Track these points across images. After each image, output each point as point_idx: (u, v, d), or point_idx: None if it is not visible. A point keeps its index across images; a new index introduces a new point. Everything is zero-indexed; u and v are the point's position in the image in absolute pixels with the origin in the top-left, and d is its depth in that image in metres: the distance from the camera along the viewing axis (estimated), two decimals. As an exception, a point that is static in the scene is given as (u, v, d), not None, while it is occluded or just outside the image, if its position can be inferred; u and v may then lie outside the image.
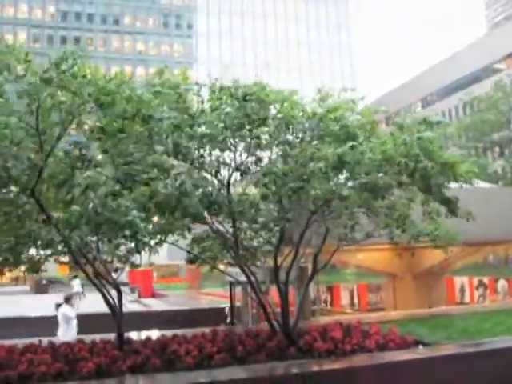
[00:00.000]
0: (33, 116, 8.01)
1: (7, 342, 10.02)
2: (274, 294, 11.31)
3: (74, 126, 8.80)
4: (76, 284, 29.38)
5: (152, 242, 9.74)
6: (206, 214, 9.66)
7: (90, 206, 7.73)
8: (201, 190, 9.25)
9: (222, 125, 9.53)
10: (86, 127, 9.06)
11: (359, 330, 10.89)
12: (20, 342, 10.11)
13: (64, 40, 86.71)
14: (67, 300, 13.24)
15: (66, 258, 10.62)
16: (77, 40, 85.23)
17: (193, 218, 9.48)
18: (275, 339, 10.14)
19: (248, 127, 9.62)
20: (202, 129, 9.48)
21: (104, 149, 8.70)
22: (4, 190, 8.36)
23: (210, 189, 9.48)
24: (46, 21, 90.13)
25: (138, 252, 9.19)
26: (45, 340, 10.24)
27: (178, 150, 9.06)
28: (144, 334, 11.30)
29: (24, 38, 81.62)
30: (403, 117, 10.85)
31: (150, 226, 9.19)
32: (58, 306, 13.25)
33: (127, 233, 8.22)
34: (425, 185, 9.72)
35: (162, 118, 8.59)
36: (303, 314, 12.90)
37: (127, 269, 10.00)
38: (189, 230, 10.41)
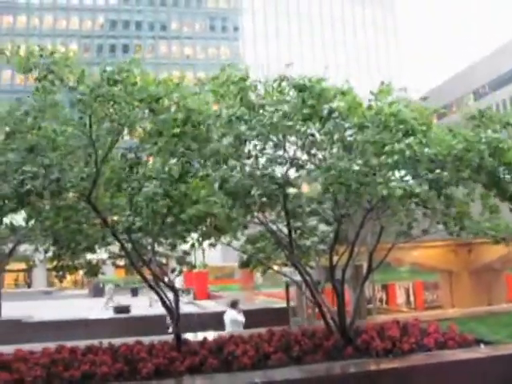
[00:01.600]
0: (86, 125, 8.20)
1: (69, 343, 10.27)
2: (328, 294, 11.23)
3: (126, 131, 8.94)
4: (108, 288, 30.10)
5: (206, 243, 9.82)
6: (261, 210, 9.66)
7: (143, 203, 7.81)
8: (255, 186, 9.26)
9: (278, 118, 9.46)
10: (138, 132, 9.20)
11: (417, 329, 10.68)
12: (80, 343, 10.36)
13: (113, 48, 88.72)
14: (234, 305, 13.56)
15: (122, 262, 10.84)
16: (125, 47, 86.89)
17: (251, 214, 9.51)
18: (332, 339, 10.06)
19: (305, 122, 9.52)
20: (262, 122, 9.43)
21: (157, 151, 8.80)
22: (63, 196, 8.57)
23: (267, 183, 9.46)
24: (96, 30, 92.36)
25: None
26: (105, 341, 10.45)
27: (236, 144, 9.12)
28: (200, 335, 11.39)
29: (75, 48, 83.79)
30: (465, 111, 10.55)
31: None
32: (116, 309, 13.59)
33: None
34: (491, 181, 9.46)
35: (218, 117, 8.64)
36: (359, 313, 12.76)
37: (184, 270, 10.10)
38: (245, 227, 10.46)
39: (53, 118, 8.14)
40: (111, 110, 8.23)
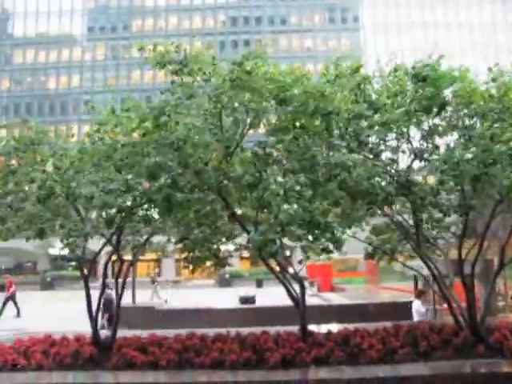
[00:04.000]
0: (216, 117, 8.45)
1: (198, 331, 10.68)
2: (457, 288, 10.80)
3: (256, 125, 9.10)
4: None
5: (344, 236, 9.82)
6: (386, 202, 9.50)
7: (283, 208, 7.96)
8: (377, 178, 9.12)
9: (399, 112, 9.26)
10: (266, 125, 9.33)
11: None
12: (209, 331, 10.74)
13: (235, 44, 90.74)
14: (419, 295, 13.92)
15: (247, 253, 11.08)
16: (247, 43, 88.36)
17: (376, 206, 9.38)
18: (461, 335, 9.68)
19: (426, 112, 9.23)
20: (381, 116, 9.27)
21: (283, 145, 8.88)
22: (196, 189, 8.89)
23: (388, 177, 9.29)
24: (218, 28, 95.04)
25: (338, 249, 9.35)
26: (232, 330, 10.75)
27: (358, 140, 9.03)
28: (325, 327, 11.40)
29: (199, 46, 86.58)
30: None
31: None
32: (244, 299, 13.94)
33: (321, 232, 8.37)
34: None
35: (340, 112, 8.57)
36: (490, 309, 12.15)
37: (308, 262, 10.15)
38: (372, 215, 10.37)
39: (187, 111, 8.45)
40: (244, 99, 8.41)
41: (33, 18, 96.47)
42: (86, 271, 10.16)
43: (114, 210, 8.58)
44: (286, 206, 8.33)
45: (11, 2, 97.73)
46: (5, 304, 27.59)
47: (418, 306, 13.36)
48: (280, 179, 8.79)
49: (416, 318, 13.06)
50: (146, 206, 8.53)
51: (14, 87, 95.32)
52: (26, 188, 9.25)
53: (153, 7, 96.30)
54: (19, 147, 9.29)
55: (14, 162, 9.54)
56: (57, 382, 8.08)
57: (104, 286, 10.01)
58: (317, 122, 8.84)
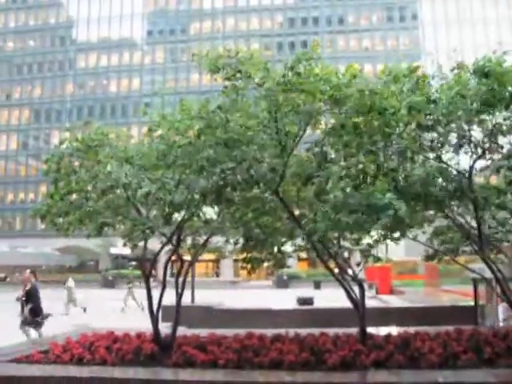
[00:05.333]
0: (272, 120, 8.48)
1: (257, 331, 10.74)
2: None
3: (310, 125, 9.09)
4: (70, 282, 30.47)
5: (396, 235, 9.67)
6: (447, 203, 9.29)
7: (339, 194, 7.85)
8: (440, 179, 8.92)
9: (459, 111, 9.03)
10: (322, 126, 9.31)
11: None
12: (267, 332, 10.77)
13: (292, 45, 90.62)
14: None
15: (305, 255, 11.06)
16: (304, 44, 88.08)
17: (436, 208, 9.17)
18: (528, 342, 9.37)
19: (489, 109, 8.97)
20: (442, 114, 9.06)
21: (340, 145, 8.83)
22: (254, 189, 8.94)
23: (453, 176, 9.09)
24: (275, 29, 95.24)
25: (402, 235, 9.13)
26: (290, 331, 10.76)
27: (418, 140, 8.87)
28: (384, 330, 11.26)
29: (257, 48, 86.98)
30: None
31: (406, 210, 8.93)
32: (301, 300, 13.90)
33: (383, 218, 8.12)
34: None
35: (399, 108, 8.44)
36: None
37: (368, 264, 10.05)
38: (430, 221, 10.12)
39: (241, 113, 8.53)
40: (298, 101, 8.42)
41: (95, 24, 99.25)
42: (146, 270, 10.36)
43: (170, 208, 8.72)
44: (339, 193, 8.16)
45: (75, 9, 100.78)
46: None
47: (504, 310, 12.96)
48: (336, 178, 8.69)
49: (502, 323, 12.73)
50: (198, 201, 8.58)
51: (77, 91, 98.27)
52: (89, 188, 9.51)
53: (210, 10, 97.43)
54: (81, 148, 9.58)
55: (76, 163, 9.85)
56: (119, 377, 8.27)
57: (164, 284, 10.18)
58: (374, 121, 8.74)
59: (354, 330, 10.49)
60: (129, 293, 29.57)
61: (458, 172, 9.46)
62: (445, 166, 9.46)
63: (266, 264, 11.31)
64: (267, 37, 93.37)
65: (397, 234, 9.46)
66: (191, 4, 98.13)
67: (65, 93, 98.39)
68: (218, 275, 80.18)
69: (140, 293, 29.79)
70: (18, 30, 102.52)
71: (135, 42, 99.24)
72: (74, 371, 8.56)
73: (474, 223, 10.04)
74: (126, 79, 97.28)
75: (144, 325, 11.55)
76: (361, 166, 7.81)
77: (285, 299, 28.37)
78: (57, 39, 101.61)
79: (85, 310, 27.51)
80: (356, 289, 10.25)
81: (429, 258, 11.52)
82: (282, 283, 53.47)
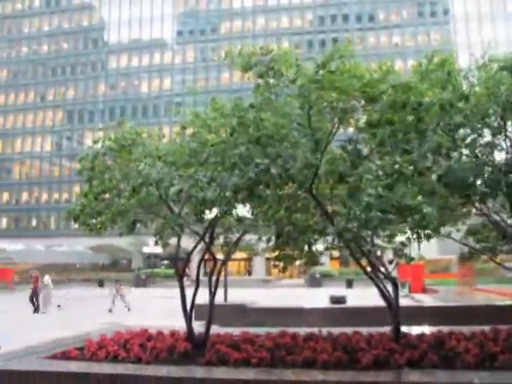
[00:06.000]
0: (305, 117, 8.46)
1: (290, 330, 10.73)
2: None
3: (345, 123, 9.04)
4: (47, 279, 29.94)
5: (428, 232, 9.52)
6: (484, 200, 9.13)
7: (371, 190, 7.79)
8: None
9: (493, 107, 8.88)
10: (355, 123, 9.25)
11: None
12: (300, 330, 10.75)
13: (323, 43, 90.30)
14: None
15: (337, 253, 11.00)
16: (334, 41, 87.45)
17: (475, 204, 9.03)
18: None
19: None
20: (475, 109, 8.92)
21: (375, 142, 8.75)
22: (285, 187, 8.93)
23: (488, 172, 8.94)
24: (305, 27, 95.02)
25: (432, 236, 9.03)
26: (323, 330, 10.72)
27: (452, 136, 8.75)
28: (417, 329, 11.13)
29: (286, 46, 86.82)
30: None
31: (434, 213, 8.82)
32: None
33: (411, 220, 8.07)
34: None
35: (432, 104, 8.33)
36: None
37: (401, 261, 9.93)
38: (465, 218, 9.97)
39: (273, 111, 8.52)
40: (330, 98, 8.37)
41: (126, 26, 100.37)
42: (180, 269, 10.43)
43: (202, 206, 8.75)
44: (373, 191, 8.09)
45: (107, 11, 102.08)
46: (32, 299, 28.63)
47: None
48: (370, 176, 8.62)
49: None
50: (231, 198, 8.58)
51: (109, 92, 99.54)
52: (121, 186, 9.61)
53: (240, 9, 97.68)
54: (115, 147, 9.69)
55: (109, 161, 9.96)
56: (153, 375, 8.34)
57: (198, 283, 10.24)
58: (407, 117, 8.64)
59: (387, 329, 10.40)
60: (116, 293, 29.31)
61: (494, 168, 9.30)
62: (480, 162, 9.31)
63: (297, 262, 11.28)
64: (297, 35, 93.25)
65: (428, 231, 9.33)
66: (221, 4, 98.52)
67: (97, 94, 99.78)
68: (250, 274, 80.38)
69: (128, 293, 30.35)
70: (52, 33, 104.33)
71: (166, 43, 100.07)
72: (109, 368, 8.67)
73: (510, 221, 9.87)
74: (157, 79, 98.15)
75: (178, 323, 11.64)
76: (397, 167, 7.74)
77: (317, 298, 28.32)
78: (89, 41, 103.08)
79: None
80: (389, 287, 10.16)
81: (465, 258, 11.31)
82: (315, 282, 53.30)
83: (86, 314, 26.44)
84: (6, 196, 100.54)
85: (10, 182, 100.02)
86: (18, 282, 56.78)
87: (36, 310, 28.42)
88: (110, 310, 27.54)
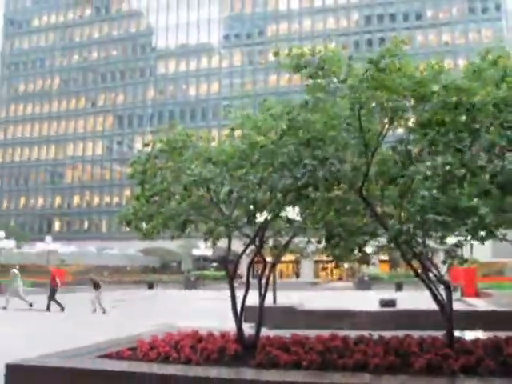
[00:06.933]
0: (355, 118, 8.37)
1: (340, 333, 10.62)
2: None
3: (395, 123, 8.91)
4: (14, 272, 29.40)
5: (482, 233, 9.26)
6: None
7: (425, 192, 7.65)
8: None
9: None
10: (405, 123, 9.10)
11: None
12: (350, 333, 10.63)
13: (369, 43, 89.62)
14: None
15: (386, 256, 10.83)
16: (381, 41, 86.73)
17: None
18: None
19: None
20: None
21: (425, 143, 8.58)
22: (335, 188, 8.86)
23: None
24: (352, 28, 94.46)
25: (487, 238, 8.79)
26: (373, 333, 10.58)
27: (507, 135, 8.48)
28: (471, 334, 10.85)
29: (334, 47, 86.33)
30: None
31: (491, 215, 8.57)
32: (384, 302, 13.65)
33: (469, 222, 7.87)
34: None
35: (485, 103, 8.11)
36: None
37: (454, 265, 9.69)
38: None
39: (323, 112, 8.47)
40: (381, 98, 8.26)
41: (173, 31, 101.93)
42: (230, 271, 10.46)
43: (253, 207, 8.76)
44: (426, 193, 7.93)
45: (154, 17, 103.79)
46: (51, 298, 28.70)
47: None
48: (421, 177, 8.45)
49: None
50: (281, 200, 8.56)
51: (157, 96, 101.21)
52: (172, 189, 9.71)
53: (286, 11, 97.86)
54: (166, 149, 9.80)
55: (160, 164, 10.09)
56: (203, 376, 8.38)
57: (248, 285, 10.26)
58: (460, 117, 8.44)
59: (439, 333, 10.17)
60: (97, 295, 28.87)
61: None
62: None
63: (346, 265, 11.17)
64: (344, 36, 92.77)
65: (483, 233, 9.08)
66: (267, 6, 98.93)
67: (146, 98, 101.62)
68: (298, 276, 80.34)
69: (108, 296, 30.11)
70: (101, 41, 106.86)
71: (213, 47, 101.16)
72: (159, 369, 8.77)
73: None
74: (205, 83, 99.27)
75: (227, 325, 11.69)
76: (448, 168, 7.55)
77: (366, 301, 28.01)
78: (138, 47, 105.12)
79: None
80: (441, 291, 9.93)
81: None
82: (364, 284, 52.74)
83: (138, 315, 26.85)
84: (58, 200, 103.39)
85: (63, 187, 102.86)
86: (70, 283, 58.23)
87: (48, 308, 28.48)
88: (95, 310, 27.72)
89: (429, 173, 7.95)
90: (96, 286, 28.63)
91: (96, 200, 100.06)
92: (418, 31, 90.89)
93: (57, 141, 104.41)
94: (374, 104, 8.38)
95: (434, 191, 7.71)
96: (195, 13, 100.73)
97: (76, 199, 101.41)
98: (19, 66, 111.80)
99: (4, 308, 27.91)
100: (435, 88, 8.03)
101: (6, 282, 31.99)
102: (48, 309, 28.38)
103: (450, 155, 7.83)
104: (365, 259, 10.64)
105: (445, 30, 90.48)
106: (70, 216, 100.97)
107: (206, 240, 9.73)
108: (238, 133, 10.06)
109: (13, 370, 8.79)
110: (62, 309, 28.24)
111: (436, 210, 7.66)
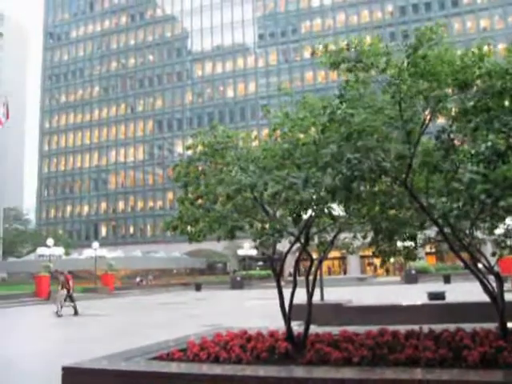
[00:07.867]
0: (396, 107, 8.26)
1: (389, 328, 10.51)
2: None
3: (436, 112, 8.76)
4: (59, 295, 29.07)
5: None
6: None
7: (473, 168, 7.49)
8: None
9: None
10: (448, 111, 8.93)
11: None
12: (400, 328, 10.51)
13: (405, 34, 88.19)
14: None
15: (433, 249, 10.67)
16: (417, 31, 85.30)
17: None
18: None
19: None
20: None
21: (472, 129, 8.40)
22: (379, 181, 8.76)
23: None
24: (387, 19, 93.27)
25: None
26: (424, 327, 10.43)
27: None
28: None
29: (370, 39, 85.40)
30: None
31: None
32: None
33: None
34: None
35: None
36: None
37: (505, 254, 9.48)
38: None
39: (363, 105, 8.38)
40: (422, 87, 8.14)
41: (208, 33, 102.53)
42: (276, 270, 10.48)
43: (299, 207, 8.74)
44: (474, 167, 7.73)
45: (189, 21, 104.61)
46: (70, 299, 28.99)
47: None
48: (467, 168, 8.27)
49: None
50: (326, 198, 8.50)
51: (195, 99, 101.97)
52: (216, 192, 9.75)
53: (319, 7, 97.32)
54: (208, 152, 9.86)
55: (202, 167, 10.15)
56: (254, 375, 8.39)
57: (295, 283, 10.25)
58: (506, 103, 8.23)
59: (491, 326, 9.95)
60: (65, 297, 29.04)
61: None
62: None
63: (392, 260, 11.03)
64: (379, 28, 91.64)
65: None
66: (300, 4, 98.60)
67: (184, 102, 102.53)
68: (345, 272, 79.87)
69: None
70: (138, 47, 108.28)
71: (248, 47, 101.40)
72: (211, 369, 8.85)
73: None
74: (242, 84, 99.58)
75: (275, 323, 11.70)
76: (489, 144, 7.36)
77: (414, 294, 27.65)
78: (173, 51, 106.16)
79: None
80: (492, 282, 9.72)
81: None
82: (411, 278, 52.09)
83: (186, 316, 27.14)
84: (103, 206, 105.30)
85: (107, 192, 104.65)
86: (118, 287, 59.32)
87: (75, 312, 28.81)
88: (76, 313, 28.20)
89: (473, 151, 7.78)
90: (63, 286, 28.85)
91: (140, 204, 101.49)
92: (455, 18, 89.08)
93: (99, 148, 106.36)
94: (415, 92, 8.25)
95: (482, 166, 7.52)
96: (229, 14, 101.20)
97: (120, 204, 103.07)
98: (60, 77, 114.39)
99: (60, 315, 28.55)
100: (479, 73, 7.86)
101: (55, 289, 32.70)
102: (76, 313, 28.91)
103: (495, 136, 7.63)
104: (411, 255, 10.50)
105: (483, 16, 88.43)
106: (115, 221, 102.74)
107: (256, 246, 9.68)
108: (277, 132, 10.06)
109: (68, 372, 9.00)
110: (59, 315, 28.46)
111: (484, 186, 7.48)
